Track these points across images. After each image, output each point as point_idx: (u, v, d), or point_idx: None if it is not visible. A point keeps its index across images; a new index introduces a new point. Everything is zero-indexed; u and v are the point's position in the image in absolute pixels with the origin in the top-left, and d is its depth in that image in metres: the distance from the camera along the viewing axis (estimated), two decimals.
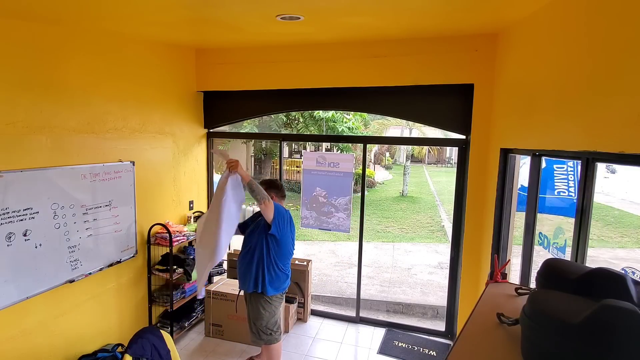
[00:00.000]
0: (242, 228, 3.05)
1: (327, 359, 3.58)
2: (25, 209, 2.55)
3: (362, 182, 4.06)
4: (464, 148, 3.58)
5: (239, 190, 2.85)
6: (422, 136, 14.63)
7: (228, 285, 3.95)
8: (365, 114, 12.31)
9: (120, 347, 3.19)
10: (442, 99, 3.56)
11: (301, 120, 12.47)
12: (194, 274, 3.78)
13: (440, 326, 4.14)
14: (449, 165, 24.62)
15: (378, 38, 3.42)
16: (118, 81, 3.21)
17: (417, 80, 3.45)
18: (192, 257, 3.79)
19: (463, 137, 3.57)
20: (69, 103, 2.83)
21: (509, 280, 1.64)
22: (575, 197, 2.06)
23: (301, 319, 4.25)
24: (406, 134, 16.53)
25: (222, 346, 3.72)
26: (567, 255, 2.27)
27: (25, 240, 2.57)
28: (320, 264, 6.91)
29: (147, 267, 3.64)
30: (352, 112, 11.65)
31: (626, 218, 9.37)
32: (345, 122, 12.05)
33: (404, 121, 12.23)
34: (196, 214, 4.21)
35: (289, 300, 4.03)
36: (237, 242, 3.04)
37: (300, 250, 7.31)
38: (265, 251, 2.86)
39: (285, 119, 12.40)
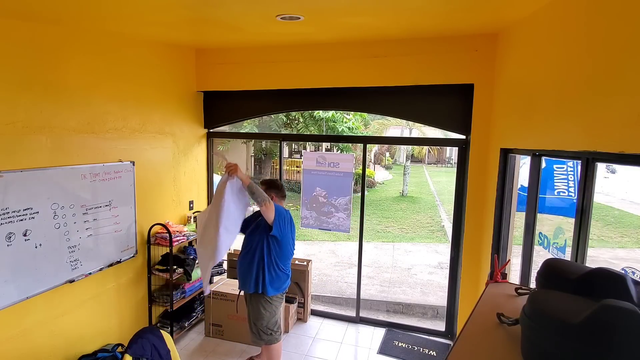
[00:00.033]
0: (243, 226, 3.04)
1: (327, 359, 3.58)
2: (25, 209, 2.55)
3: (362, 182, 4.06)
4: (464, 148, 3.58)
5: (242, 195, 2.85)
6: (422, 136, 14.63)
7: (228, 285, 3.95)
8: (365, 114, 12.31)
9: (120, 347, 3.19)
10: (442, 99, 3.56)
11: (301, 120, 12.46)
12: (195, 274, 3.78)
13: (440, 326, 4.14)
14: (449, 165, 24.61)
15: (378, 38, 3.42)
16: (118, 81, 3.21)
17: (417, 80, 3.45)
18: (192, 257, 3.79)
19: (463, 137, 3.57)
20: (69, 103, 2.83)
21: (509, 280, 1.64)
22: (575, 197, 2.06)
23: (301, 319, 4.25)
24: (406, 134, 16.52)
25: (222, 346, 3.72)
26: (567, 255, 2.27)
27: (25, 240, 2.57)
28: (320, 264, 6.91)
29: (147, 267, 3.64)
30: (352, 112, 11.65)
31: (626, 218, 9.37)
32: (345, 122, 12.05)
33: (404, 121, 12.23)
34: (196, 214, 4.21)
35: (289, 300, 4.03)
36: (237, 242, 3.03)
37: (300, 250, 7.30)
38: (266, 252, 2.86)
39: (285, 119, 12.40)
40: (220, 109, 4.32)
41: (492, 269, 1.90)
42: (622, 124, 1.58)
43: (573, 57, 1.99)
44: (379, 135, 15.25)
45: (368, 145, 4.30)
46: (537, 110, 2.38)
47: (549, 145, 2.23)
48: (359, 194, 4.78)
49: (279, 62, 3.83)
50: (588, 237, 1.96)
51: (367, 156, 4.14)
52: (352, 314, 4.32)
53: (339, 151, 12.43)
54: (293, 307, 4.09)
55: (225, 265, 4.43)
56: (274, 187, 3.04)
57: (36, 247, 2.64)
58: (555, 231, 2.74)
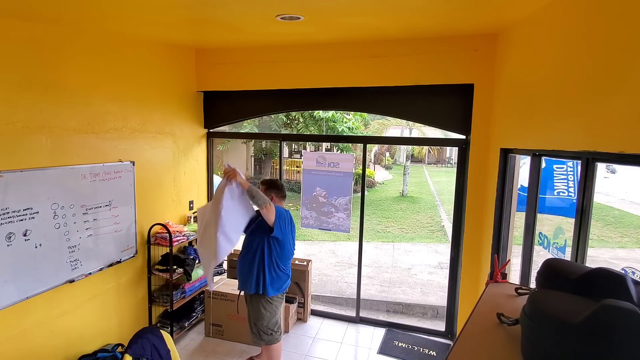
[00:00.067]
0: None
1: (327, 359, 3.58)
2: (25, 209, 2.55)
3: (362, 182, 4.06)
4: (464, 148, 3.58)
5: (244, 200, 2.80)
6: (422, 136, 14.63)
7: (228, 285, 3.95)
8: (365, 114, 12.31)
9: (120, 347, 3.19)
10: (442, 99, 3.56)
11: (301, 120, 12.46)
12: (195, 274, 3.78)
13: (440, 326, 4.14)
14: (449, 165, 24.61)
15: (378, 38, 3.43)
16: (118, 81, 3.21)
17: (417, 80, 3.45)
18: (192, 257, 3.79)
19: (463, 137, 3.57)
20: (69, 103, 2.83)
21: (509, 280, 1.64)
22: (575, 198, 2.06)
23: (301, 319, 4.25)
24: (406, 134, 16.52)
25: (222, 346, 3.72)
26: (567, 255, 2.27)
27: (25, 240, 2.57)
28: (320, 264, 6.91)
29: (147, 267, 3.64)
30: (352, 112, 11.65)
31: (626, 218, 9.37)
32: (345, 122, 12.05)
33: (404, 121, 12.23)
34: (196, 214, 4.21)
35: (289, 300, 4.03)
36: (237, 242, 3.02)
37: (300, 250, 7.31)
38: (267, 252, 2.85)
39: (285, 119, 12.40)
40: (220, 109, 4.32)
41: (492, 269, 1.90)
42: (622, 124, 1.58)
43: (573, 57, 1.99)
44: (379, 135, 15.24)
45: (368, 145, 4.30)
46: (537, 110, 2.38)
47: (549, 145, 2.23)
48: (359, 194, 4.78)
49: (279, 62, 3.83)
50: (588, 237, 1.96)
51: (367, 156, 4.14)
52: (352, 314, 4.32)
53: (339, 151, 12.44)
54: (293, 307, 4.09)
55: (225, 265, 4.43)
56: (274, 187, 3.04)
57: (36, 247, 2.64)
58: (555, 231, 2.74)
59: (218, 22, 2.88)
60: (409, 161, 16.25)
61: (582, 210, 1.95)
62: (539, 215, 2.59)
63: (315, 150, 15.04)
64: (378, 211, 12.16)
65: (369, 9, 2.53)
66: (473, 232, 3.49)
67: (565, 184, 2.81)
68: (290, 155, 17.13)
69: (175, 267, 3.60)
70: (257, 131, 12.19)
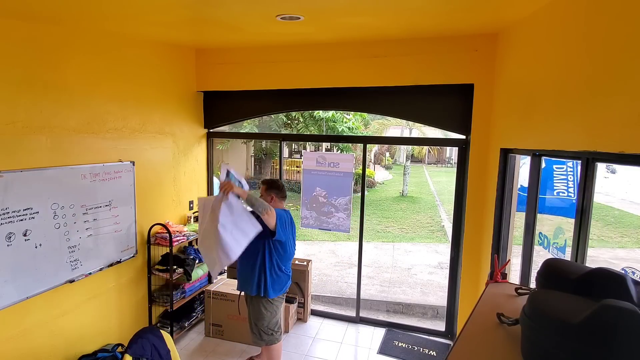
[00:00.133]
0: None
1: (327, 359, 3.58)
2: (25, 209, 2.55)
3: (362, 182, 4.06)
4: (464, 148, 3.58)
5: (245, 216, 2.68)
6: (422, 136, 14.64)
7: (228, 285, 3.95)
8: (365, 114, 12.31)
9: (120, 347, 3.19)
10: (442, 99, 3.56)
11: (301, 120, 12.47)
12: (195, 274, 3.78)
13: (440, 326, 4.14)
14: (449, 165, 24.61)
15: (378, 38, 3.42)
16: (118, 81, 3.21)
17: (417, 80, 3.45)
18: (192, 257, 3.79)
19: (463, 137, 3.57)
20: (69, 103, 2.83)
21: (509, 280, 1.64)
22: (575, 198, 2.06)
23: (301, 319, 4.25)
24: (406, 134, 16.53)
25: (222, 346, 3.72)
26: (567, 255, 2.27)
27: (25, 240, 2.57)
28: (320, 264, 6.91)
29: (147, 267, 3.64)
30: (352, 112, 11.65)
31: (626, 218, 9.37)
32: (345, 122, 12.05)
33: (404, 121, 12.23)
34: (196, 214, 4.21)
35: (289, 300, 4.03)
36: None
37: (300, 250, 7.30)
38: (267, 255, 2.84)
39: (285, 119, 12.40)
40: (220, 109, 4.32)
41: (492, 269, 1.90)
42: (622, 124, 1.58)
43: (573, 57, 1.99)
44: (379, 135, 15.25)
45: (368, 145, 4.30)
46: (537, 110, 2.38)
47: (549, 145, 2.23)
48: (359, 194, 4.78)
49: (279, 62, 3.83)
50: (588, 237, 1.96)
51: (367, 156, 4.14)
52: (352, 314, 4.32)
53: (339, 151, 12.44)
54: (293, 307, 4.09)
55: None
56: (275, 188, 3.02)
57: (36, 247, 2.64)
58: (555, 231, 2.74)
59: (218, 22, 2.88)
60: (409, 161, 16.26)
61: (582, 210, 1.95)
62: (539, 215, 2.59)
63: (315, 150, 15.05)
64: (378, 211, 12.16)
65: (369, 9, 2.53)
66: (473, 232, 3.49)
67: (565, 184, 2.81)
68: (290, 155, 17.14)
69: (175, 267, 3.60)
70: (257, 131, 12.19)
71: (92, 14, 2.56)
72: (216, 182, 4.28)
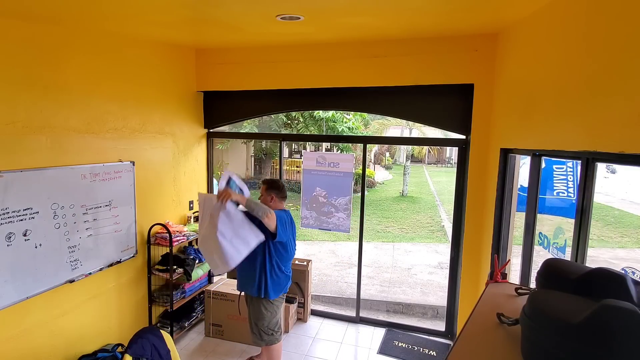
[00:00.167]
0: None
1: (327, 359, 3.58)
2: (25, 209, 2.55)
3: (362, 182, 4.06)
4: (464, 148, 3.58)
5: (246, 225, 2.67)
6: (422, 136, 14.64)
7: (228, 285, 3.95)
8: (365, 114, 12.31)
9: (120, 347, 3.19)
10: (442, 99, 3.56)
11: (301, 120, 12.47)
12: (195, 274, 3.78)
13: (440, 326, 4.14)
14: (449, 165, 24.61)
15: (378, 38, 3.42)
16: (118, 81, 3.21)
17: (417, 80, 3.45)
18: (192, 257, 3.79)
19: (463, 137, 3.57)
20: (69, 103, 2.83)
21: (509, 280, 1.64)
22: (575, 198, 2.06)
23: (301, 319, 4.25)
24: (406, 134, 16.53)
25: (222, 346, 3.72)
26: (567, 255, 2.27)
27: (25, 240, 2.57)
28: (320, 264, 6.91)
29: (147, 267, 3.64)
30: (352, 112, 11.65)
31: (626, 218, 9.38)
32: (345, 122, 12.06)
33: (404, 121, 12.23)
34: (196, 214, 4.21)
35: (289, 300, 4.03)
36: None
37: (300, 250, 7.28)
38: (268, 257, 2.84)
39: (285, 119, 12.41)
40: (220, 109, 4.32)
41: (492, 269, 1.90)
42: (622, 124, 1.58)
43: (573, 57, 1.99)
44: (379, 135, 15.25)
45: (368, 145, 4.30)
46: (537, 110, 2.38)
47: (549, 145, 2.23)
48: (359, 194, 4.78)
49: (279, 62, 3.83)
50: (588, 237, 1.96)
51: (367, 156, 4.14)
52: (352, 314, 4.32)
53: (339, 151, 12.44)
54: (293, 307, 4.09)
55: None
56: (275, 188, 3.01)
57: (36, 247, 2.64)
58: (555, 231, 2.74)
59: (218, 22, 2.88)
60: (409, 161, 16.25)
61: (582, 210, 1.95)
62: (539, 215, 2.59)
63: (315, 150, 15.05)
64: (378, 211, 12.16)
65: (369, 9, 2.53)
66: (473, 232, 3.49)
67: (565, 185, 2.81)
68: (290, 155, 17.14)
69: (175, 267, 3.60)
70: (257, 131, 12.20)
71: (92, 14, 2.56)
72: (216, 184, 4.28)
